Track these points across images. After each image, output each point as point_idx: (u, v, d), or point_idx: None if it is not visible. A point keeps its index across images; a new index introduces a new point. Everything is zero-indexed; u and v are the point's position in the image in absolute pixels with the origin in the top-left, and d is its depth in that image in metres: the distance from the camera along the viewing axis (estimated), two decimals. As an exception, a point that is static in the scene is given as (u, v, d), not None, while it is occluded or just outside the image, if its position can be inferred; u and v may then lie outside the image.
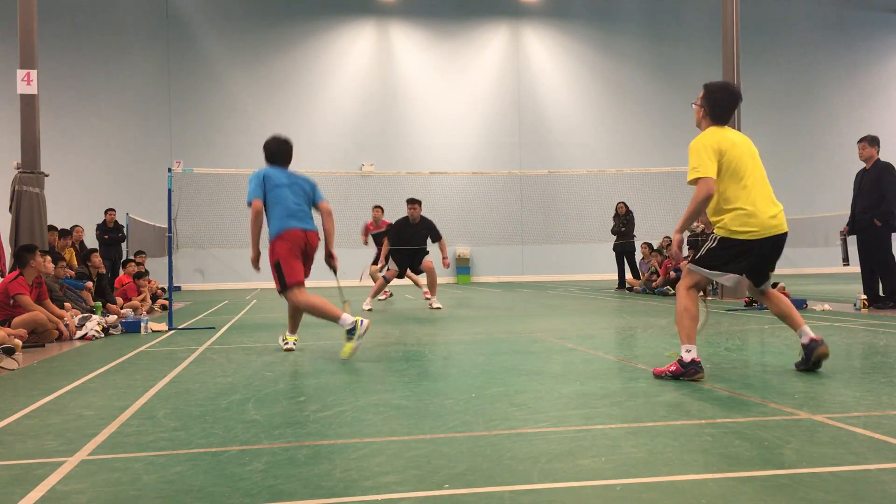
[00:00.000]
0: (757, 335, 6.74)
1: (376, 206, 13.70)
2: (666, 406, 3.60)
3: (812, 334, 4.45)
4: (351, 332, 5.53)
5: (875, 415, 3.34)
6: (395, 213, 20.42)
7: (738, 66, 12.32)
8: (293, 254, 5.82)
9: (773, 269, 4.66)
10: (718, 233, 4.44)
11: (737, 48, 12.31)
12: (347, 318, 5.59)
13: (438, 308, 10.70)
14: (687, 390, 4.00)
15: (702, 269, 4.46)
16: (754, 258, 4.42)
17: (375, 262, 12.87)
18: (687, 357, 4.28)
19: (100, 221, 15.98)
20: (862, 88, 26.46)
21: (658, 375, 4.39)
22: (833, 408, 3.49)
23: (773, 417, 3.34)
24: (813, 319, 7.98)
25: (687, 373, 4.27)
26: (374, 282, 12.19)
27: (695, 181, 4.37)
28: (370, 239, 13.50)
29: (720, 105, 4.52)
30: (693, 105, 4.67)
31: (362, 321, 5.60)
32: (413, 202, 11.09)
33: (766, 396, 3.79)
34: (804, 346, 4.45)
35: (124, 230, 16.47)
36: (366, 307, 10.75)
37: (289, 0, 23.34)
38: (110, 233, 15.74)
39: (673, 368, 4.31)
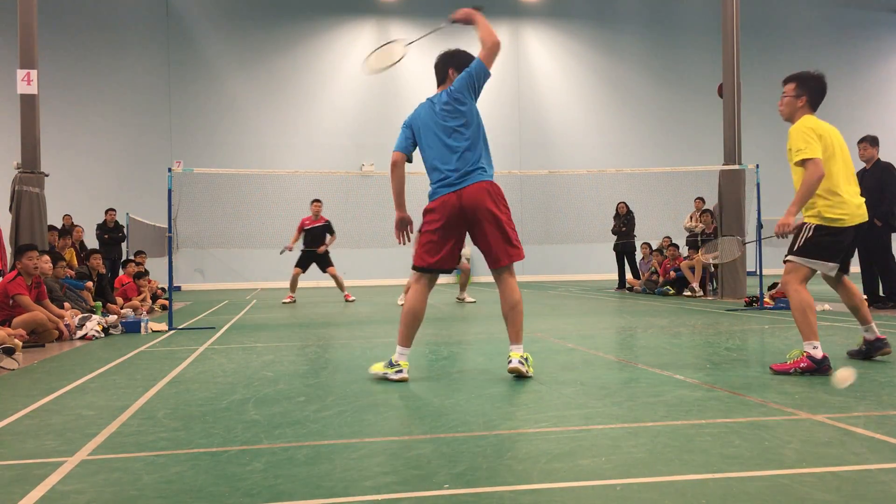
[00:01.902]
0: (757, 335, 6.74)
1: (316, 200, 13.64)
2: (666, 406, 3.60)
3: (878, 333, 4.84)
4: (390, 364, 4.52)
5: (875, 415, 3.34)
6: (394, 213, 20.38)
7: (738, 66, 12.32)
8: (437, 231, 4.50)
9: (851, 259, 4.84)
10: (811, 221, 4.55)
11: (737, 48, 12.31)
12: (403, 354, 4.54)
13: (473, 301, 12.00)
14: (687, 390, 4.00)
15: (805, 259, 4.56)
16: (846, 246, 4.58)
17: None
18: (818, 353, 4.37)
19: (100, 221, 15.98)
20: (862, 88, 26.45)
21: (780, 372, 4.42)
22: (833, 408, 3.49)
23: (773, 417, 3.34)
24: (813, 319, 7.97)
25: (821, 368, 4.35)
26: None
27: (802, 163, 4.44)
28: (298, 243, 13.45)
29: (819, 92, 4.70)
30: (785, 98, 4.73)
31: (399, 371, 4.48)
32: None
33: (766, 396, 3.79)
34: (869, 342, 4.83)
35: (124, 230, 16.46)
36: (469, 299, 11.94)
37: (289, 0, 23.33)
38: (110, 232, 15.74)
39: (804, 365, 4.36)
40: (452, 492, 2.37)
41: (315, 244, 13.18)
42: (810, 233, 4.55)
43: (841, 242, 4.56)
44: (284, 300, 13.07)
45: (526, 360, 4.48)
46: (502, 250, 4.47)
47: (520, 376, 4.44)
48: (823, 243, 4.53)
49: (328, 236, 13.33)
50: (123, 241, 16.33)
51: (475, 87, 4.52)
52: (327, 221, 13.49)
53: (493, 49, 4.45)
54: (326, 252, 13.29)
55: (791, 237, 4.66)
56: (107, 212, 15.90)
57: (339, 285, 13.42)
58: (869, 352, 4.85)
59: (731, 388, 4.03)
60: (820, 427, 3.13)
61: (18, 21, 10.13)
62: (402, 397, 4.02)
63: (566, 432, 3.12)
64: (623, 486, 2.40)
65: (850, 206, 4.53)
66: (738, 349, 5.78)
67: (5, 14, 17.40)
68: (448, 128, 4.51)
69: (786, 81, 4.80)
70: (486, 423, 3.34)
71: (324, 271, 13.38)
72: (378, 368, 4.56)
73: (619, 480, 2.45)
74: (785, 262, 4.66)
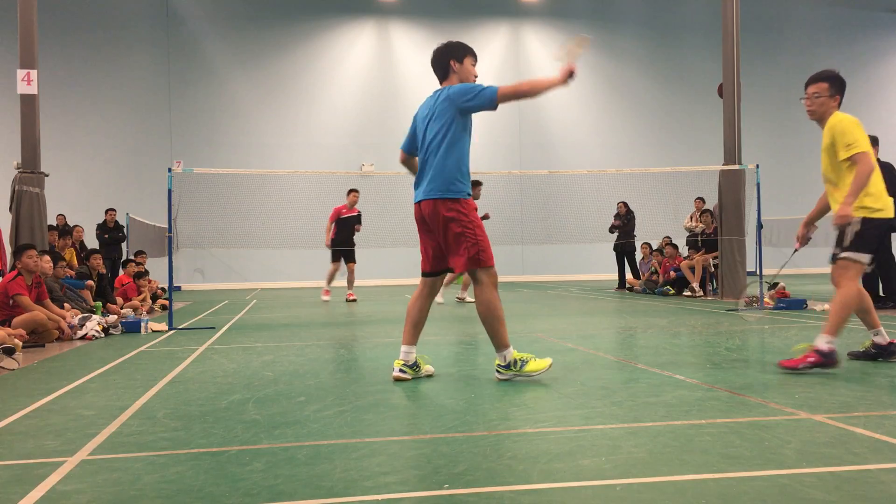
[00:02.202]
0: (757, 335, 6.74)
1: (354, 190, 13.61)
2: (666, 406, 3.60)
3: (888, 337, 4.88)
4: (414, 367, 4.60)
5: (875, 415, 3.34)
6: (394, 213, 20.40)
7: (738, 66, 12.32)
8: (421, 235, 4.68)
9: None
10: (860, 213, 4.54)
11: (737, 48, 12.31)
12: (405, 352, 4.60)
13: (472, 301, 11.97)
14: (687, 390, 4.00)
15: (859, 255, 4.56)
16: (883, 239, 4.69)
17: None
18: (826, 347, 4.41)
19: (100, 221, 15.97)
20: (862, 88, 26.43)
21: (790, 367, 4.46)
22: (833, 408, 3.49)
23: (773, 417, 3.34)
24: (814, 319, 7.99)
25: (828, 362, 4.40)
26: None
27: (853, 157, 4.50)
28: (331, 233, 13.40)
29: (844, 90, 4.83)
30: (818, 98, 4.77)
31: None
32: (477, 183, 12.20)
33: (766, 396, 3.79)
34: (882, 346, 4.85)
35: (124, 230, 16.46)
36: (469, 299, 11.71)
37: (289, 0, 23.34)
38: (111, 232, 15.73)
39: (812, 359, 4.40)
40: (452, 492, 2.37)
41: (347, 233, 13.22)
42: (859, 227, 4.55)
43: (881, 236, 4.65)
44: (325, 298, 13.09)
45: (514, 363, 4.44)
46: (456, 260, 4.43)
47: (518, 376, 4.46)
48: (869, 236, 4.57)
49: (356, 225, 13.46)
50: (124, 241, 16.32)
51: (470, 107, 4.42)
52: (359, 212, 13.57)
53: (520, 94, 4.41)
54: (353, 248, 13.38)
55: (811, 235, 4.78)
56: (107, 212, 15.89)
57: (350, 282, 13.48)
58: (880, 355, 4.88)
59: (731, 388, 4.03)
60: (820, 427, 3.13)
61: (18, 21, 10.13)
62: (402, 397, 4.02)
63: (566, 432, 3.12)
64: (623, 486, 2.40)
65: (887, 199, 4.63)
66: (738, 349, 5.77)
67: (5, 14, 17.40)
68: (428, 129, 4.51)
69: (812, 81, 4.84)
70: (486, 423, 3.34)
71: (346, 263, 13.37)
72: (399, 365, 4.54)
73: (619, 480, 2.45)
74: (837, 259, 4.63)
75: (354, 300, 13.13)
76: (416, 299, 4.63)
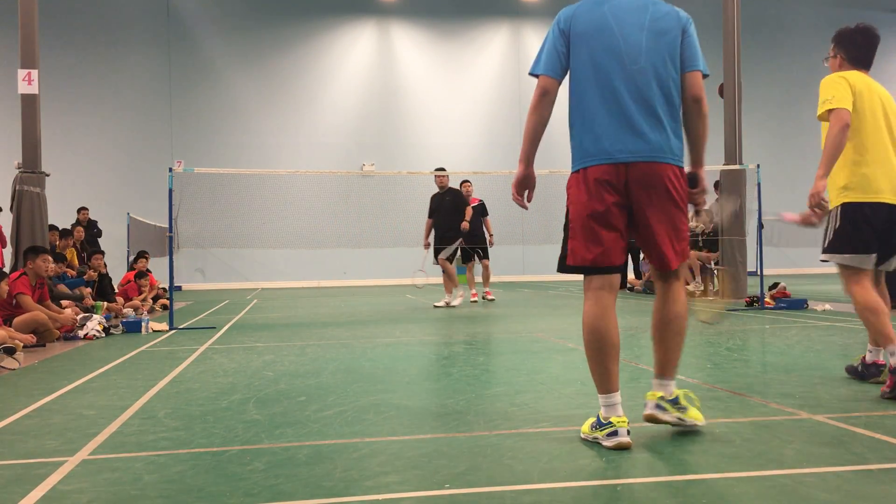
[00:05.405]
0: (757, 335, 6.74)
1: (465, 181, 12.43)
2: (666, 406, 3.59)
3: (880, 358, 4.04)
4: (599, 424, 2.91)
5: (875, 415, 3.34)
6: (394, 212, 20.37)
7: (738, 65, 12.31)
8: (593, 209, 3.12)
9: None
10: (837, 201, 3.80)
11: (737, 48, 12.31)
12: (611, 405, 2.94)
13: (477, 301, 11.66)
14: (687, 390, 4.00)
15: (835, 255, 3.83)
16: (873, 230, 3.76)
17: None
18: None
19: (94, 220, 15.78)
20: (862, 88, 26.42)
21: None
22: (833, 408, 3.49)
23: (773, 417, 3.35)
24: (813, 319, 7.99)
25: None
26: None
27: (826, 115, 3.79)
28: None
29: (856, 45, 4.22)
30: (825, 63, 4.28)
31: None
32: (440, 169, 11.57)
33: (766, 396, 3.79)
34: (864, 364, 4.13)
35: (97, 225, 16.14)
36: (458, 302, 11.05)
37: (289, 0, 23.35)
38: (88, 231, 15.49)
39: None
40: (453, 492, 2.37)
41: (472, 228, 11.69)
42: (837, 221, 3.80)
43: (866, 226, 3.75)
44: (472, 299, 11.81)
45: (674, 401, 3.07)
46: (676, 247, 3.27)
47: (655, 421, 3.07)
48: (845, 230, 3.77)
49: (484, 217, 12.11)
50: (100, 236, 16.02)
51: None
52: (481, 201, 12.19)
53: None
54: (485, 245, 12.05)
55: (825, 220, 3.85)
56: (79, 211, 15.67)
57: (485, 278, 12.08)
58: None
59: (732, 388, 4.03)
60: (820, 427, 3.14)
61: (19, 21, 10.13)
62: (402, 397, 4.03)
63: (567, 432, 3.13)
64: (623, 486, 2.40)
65: (878, 182, 3.77)
66: (739, 349, 5.78)
67: (5, 14, 17.40)
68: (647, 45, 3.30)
69: None
70: (486, 423, 3.34)
71: (480, 260, 11.95)
72: (586, 430, 2.98)
73: (619, 480, 2.45)
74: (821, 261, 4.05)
75: (493, 299, 12.01)
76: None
